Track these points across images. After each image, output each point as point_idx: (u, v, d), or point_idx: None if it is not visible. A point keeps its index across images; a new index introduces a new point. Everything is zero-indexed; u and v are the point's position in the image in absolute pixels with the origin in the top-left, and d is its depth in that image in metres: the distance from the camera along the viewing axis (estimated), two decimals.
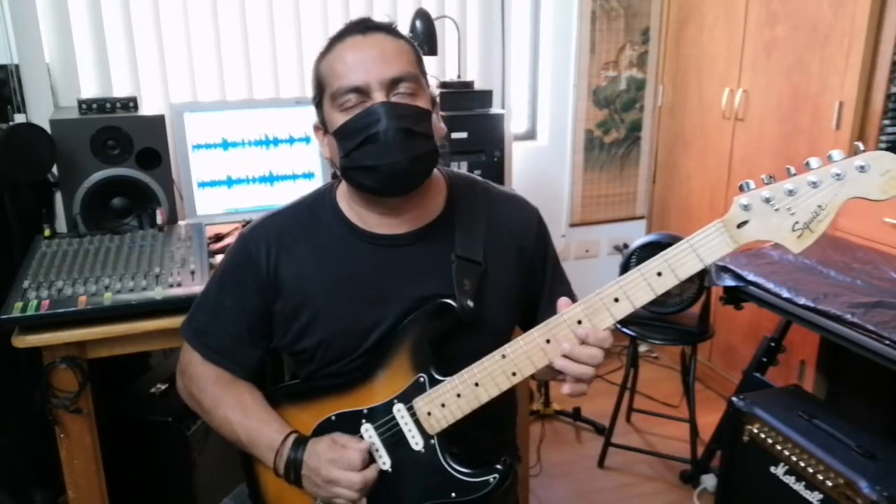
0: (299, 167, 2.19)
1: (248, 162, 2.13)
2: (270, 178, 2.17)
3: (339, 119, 1.12)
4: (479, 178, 1.32)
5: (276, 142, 2.15)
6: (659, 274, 1.01)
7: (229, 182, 2.13)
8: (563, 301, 1.07)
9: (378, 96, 1.09)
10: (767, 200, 0.94)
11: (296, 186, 2.19)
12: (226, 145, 2.11)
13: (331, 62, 1.12)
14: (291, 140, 2.17)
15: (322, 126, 1.18)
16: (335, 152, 1.15)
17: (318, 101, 1.17)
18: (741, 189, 0.96)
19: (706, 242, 0.98)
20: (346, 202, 1.22)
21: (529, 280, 1.27)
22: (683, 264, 1.00)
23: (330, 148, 1.17)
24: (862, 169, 0.89)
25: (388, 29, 1.14)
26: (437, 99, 1.21)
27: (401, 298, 1.18)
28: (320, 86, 1.15)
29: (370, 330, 1.19)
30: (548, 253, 1.31)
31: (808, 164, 0.92)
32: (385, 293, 1.18)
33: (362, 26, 1.12)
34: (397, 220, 1.19)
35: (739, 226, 0.96)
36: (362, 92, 1.09)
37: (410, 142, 1.09)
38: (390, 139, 1.08)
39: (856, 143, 0.92)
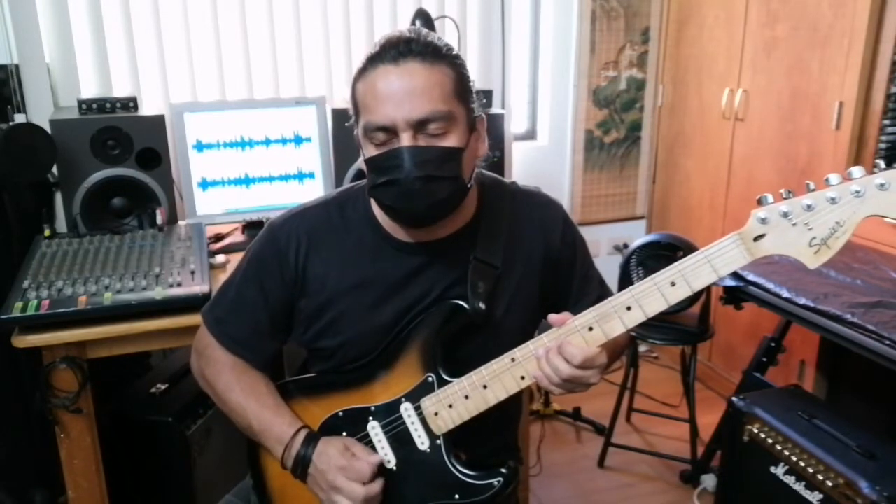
0: (299, 167, 2.19)
1: (248, 162, 2.14)
2: (270, 179, 2.17)
3: (369, 150, 1.10)
4: (505, 179, 1.30)
5: (276, 142, 2.15)
6: (673, 284, 1.01)
7: (229, 182, 2.13)
8: (552, 317, 1.08)
9: (405, 138, 1.06)
10: (785, 215, 0.94)
11: (296, 186, 2.19)
12: (226, 145, 2.11)
13: (363, 90, 1.08)
14: (291, 140, 2.17)
15: (355, 131, 1.15)
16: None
17: (355, 119, 1.13)
18: (759, 202, 0.96)
19: (722, 254, 0.98)
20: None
21: (556, 279, 1.27)
22: (698, 276, 1.00)
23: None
24: (882, 187, 0.89)
25: (425, 54, 1.07)
26: (482, 117, 1.16)
27: (423, 304, 1.18)
28: (356, 108, 1.12)
29: (391, 333, 1.19)
30: (576, 249, 1.30)
31: (827, 180, 0.93)
32: (410, 299, 1.19)
33: (396, 52, 1.06)
34: (427, 232, 1.18)
35: (756, 239, 0.96)
36: (390, 131, 1.07)
37: (432, 187, 1.07)
38: (410, 186, 1.06)
39: (877, 160, 0.93)
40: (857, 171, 0.91)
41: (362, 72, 1.09)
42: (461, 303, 1.16)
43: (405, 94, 1.05)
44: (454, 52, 1.12)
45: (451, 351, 1.18)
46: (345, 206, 1.24)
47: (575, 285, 1.29)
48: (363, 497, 1.13)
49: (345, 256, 1.20)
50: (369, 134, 1.08)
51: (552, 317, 1.09)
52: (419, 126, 1.06)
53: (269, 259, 1.22)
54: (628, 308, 1.03)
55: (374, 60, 1.07)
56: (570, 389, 1.08)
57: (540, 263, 1.25)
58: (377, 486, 1.15)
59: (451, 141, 1.08)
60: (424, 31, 1.11)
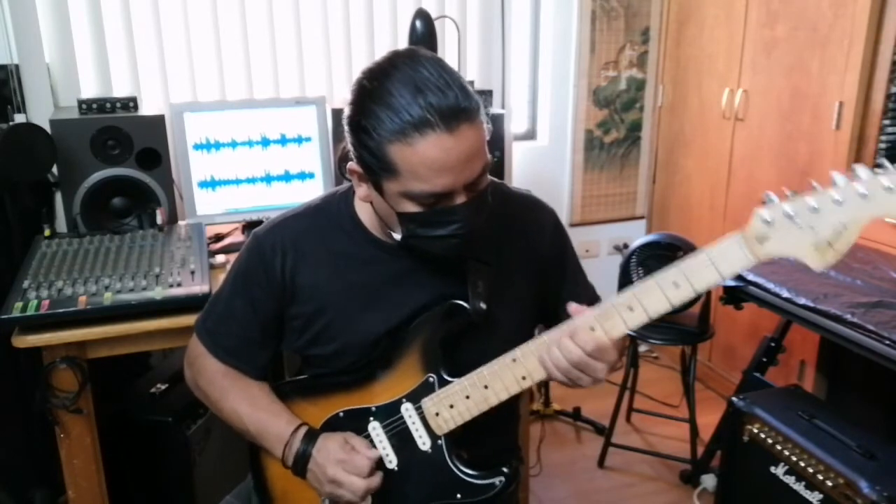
0: (299, 167, 2.19)
1: (248, 162, 2.14)
2: (270, 179, 2.17)
3: (409, 207, 1.05)
4: (496, 179, 1.28)
5: (276, 142, 2.15)
6: (676, 285, 1.00)
7: (229, 182, 2.13)
8: (573, 307, 1.07)
9: (460, 198, 1.04)
10: (790, 217, 0.92)
11: (296, 187, 2.19)
12: (226, 145, 2.11)
13: (409, 158, 0.99)
14: (291, 140, 2.17)
15: (368, 178, 1.08)
16: (385, 212, 1.10)
17: (374, 171, 1.04)
18: (763, 202, 0.94)
19: (725, 255, 0.97)
20: (364, 210, 1.19)
21: (545, 283, 1.27)
22: (701, 276, 0.99)
23: (376, 203, 1.11)
24: (889, 190, 0.87)
25: (471, 113, 1.00)
26: (491, 128, 1.08)
27: (417, 305, 1.18)
28: (386, 166, 1.01)
29: (387, 337, 1.19)
30: (565, 255, 1.30)
31: (833, 181, 0.91)
32: (402, 301, 1.18)
33: (449, 120, 0.97)
34: None
35: (760, 240, 0.95)
36: (444, 195, 1.03)
37: (481, 229, 1.09)
38: (468, 237, 1.07)
39: (882, 160, 0.91)
40: (862, 171, 0.89)
41: (402, 134, 0.98)
42: (462, 303, 1.16)
43: (463, 161, 1.00)
44: (476, 93, 1.04)
45: (451, 351, 1.18)
46: (329, 212, 1.23)
47: (566, 287, 1.29)
48: (363, 490, 1.13)
49: (333, 263, 1.19)
50: (417, 198, 1.03)
51: (572, 306, 1.07)
52: (473, 181, 1.05)
53: (255, 270, 1.21)
54: (630, 308, 1.02)
55: (421, 126, 0.97)
56: (575, 378, 1.06)
57: (533, 264, 1.25)
58: (377, 479, 1.15)
59: (485, 179, 1.07)
60: (456, 75, 1.01)
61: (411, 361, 1.18)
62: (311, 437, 1.18)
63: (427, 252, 1.11)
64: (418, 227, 1.07)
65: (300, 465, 1.17)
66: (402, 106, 0.98)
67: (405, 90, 0.98)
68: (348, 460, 1.14)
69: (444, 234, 1.06)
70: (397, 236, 1.11)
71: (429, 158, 0.98)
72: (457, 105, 0.98)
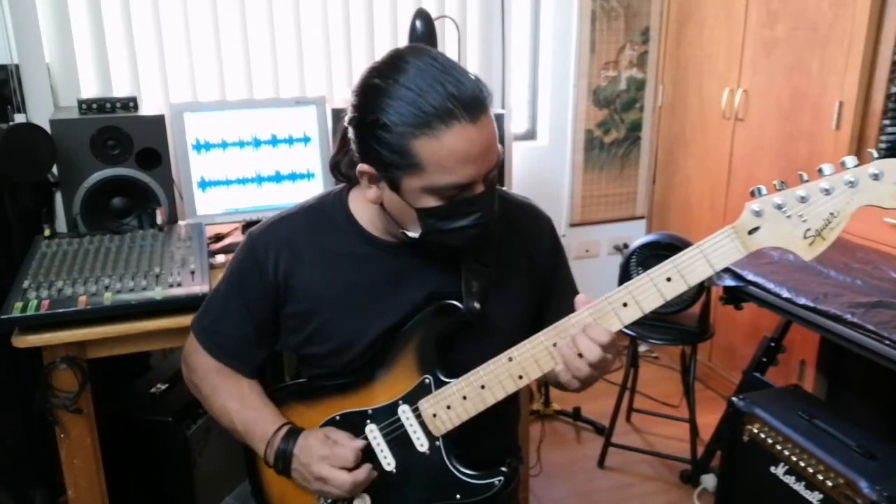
0: (299, 167, 2.19)
1: (248, 162, 2.14)
2: (270, 179, 2.17)
3: (429, 202, 1.04)
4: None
5: (276, 142, 2.15)
6: (668, 279, 1.00)
7: (229, 182, 2.13)
8: (581, 298, 1.07)
9: (479, 187, 1.05)
10: (779, 207, 0.93)
11: (296, 187, 2.19)
12: (226, 145, 2.11)
13: (436, 151, 0.98)
14: (291, 140, 2.17)
15: (380, 178, 1.06)
16: (399, 210, 1.09)
17: (394, 168, 1.02)
18: (752, 195, 0.95)
19: (717, 248, 0.98)
20: (360, 208, 1.19)
21: (538, 289, 1.27)
22: (693, 270, 0.99)
23: (389, 202, 1.09)
24: (875, 177, 0.89)
25: (487, 102, 1.02)
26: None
27: (412, 304, 1.18)
28: (410, 161, 1.00)
29: (384, 337, 1.19)
30: (558, 264, 1.30)
31: (820, 170, 0.92)
32: (398, 300, 1.18)
33: (472, 110, 0.98)
34: None
35: (751, 232, 0.96)
36: (466, 186, 1.04)
37: (496, 217, 1.10)
38: (487, 226, 1.08)
39: (869, 150, 0.92)
40: (849, 160, 0.90)
41: (427, 127, 0.97)
42: (455, 303, 1.15)
43: (485, 150, 1.02)
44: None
45: (447, 351, 1.18)
46: (325, 211, 1.22)
47: (556, 296, 1.28)
48: (350, 484, 1.13)
49: (328, 262, 1.19)
50: (439, 192, 1.03)
51: (579, 299, 1.07)
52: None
53: (248, 270, 1.21)
54: (625, 304, 1.03)
55: (446, 118, 0.97)
56: (589, 377, 1.05)
57: (531, 269, 1.25)
58: (363, 471, 1.14)
59: (496, 168, 1.08)
60: (462, 66, 1.03)
61: (407, 363, 1.17)
62: (292, 435, 1.18)
63: (446, 245, 1.10)
64: (438, 221, 1.06)
65: (281, 463, 1.17)
66: (423, 99, 0.97)
67: (423, 83, 0.98)
68: (331, 455, 1.14)
69: (465, 224, 1.06)
70: (413, 234, 1.10)
71: (456, 150, 0.99)
72: (476, 94, 1.00)
